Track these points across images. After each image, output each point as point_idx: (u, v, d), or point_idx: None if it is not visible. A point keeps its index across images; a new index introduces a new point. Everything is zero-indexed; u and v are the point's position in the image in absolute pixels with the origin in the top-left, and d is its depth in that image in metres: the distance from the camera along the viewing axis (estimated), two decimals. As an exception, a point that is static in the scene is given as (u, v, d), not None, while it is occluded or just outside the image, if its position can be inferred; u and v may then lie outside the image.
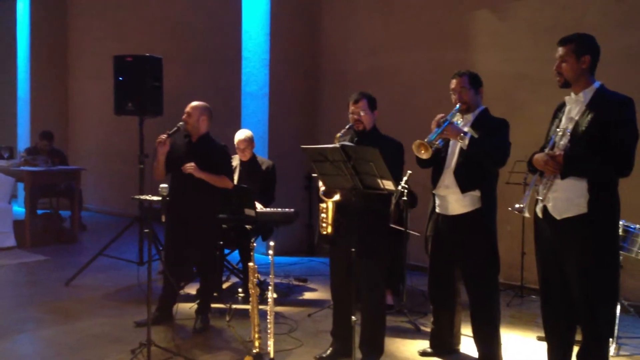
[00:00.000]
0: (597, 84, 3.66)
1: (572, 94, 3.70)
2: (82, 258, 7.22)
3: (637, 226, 4.85)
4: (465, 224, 4.32)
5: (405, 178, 5.50)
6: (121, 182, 11.18)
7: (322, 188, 4.34)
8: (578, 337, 3.78)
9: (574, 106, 3.67)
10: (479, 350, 4.43)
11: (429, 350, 4.75)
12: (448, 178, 4.38)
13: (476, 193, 4.28)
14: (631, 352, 4.85)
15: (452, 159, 4.39)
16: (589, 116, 3.54)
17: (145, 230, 4.55)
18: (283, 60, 8.45)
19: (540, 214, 3.75)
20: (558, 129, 3.67)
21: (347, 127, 4.43)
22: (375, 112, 4.49)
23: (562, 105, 3.80)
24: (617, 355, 4.77)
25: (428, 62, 7.50)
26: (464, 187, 4.29)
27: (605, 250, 3.58)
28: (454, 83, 4.42)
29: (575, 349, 3.79)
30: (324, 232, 4.35)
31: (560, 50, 3.67)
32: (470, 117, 4.40)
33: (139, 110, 6.69)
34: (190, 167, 5.14)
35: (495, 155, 4.21)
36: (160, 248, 6.57)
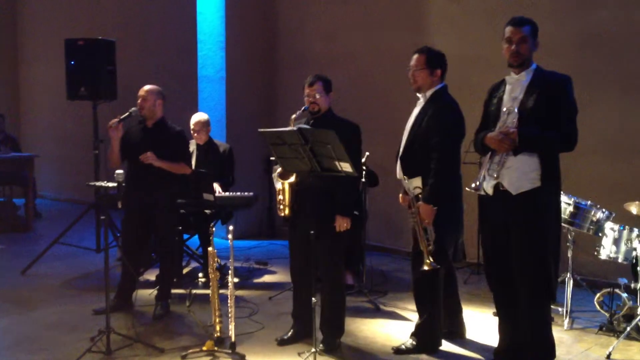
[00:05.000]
0: (534, 65, 3.83)
1: (512, 74, 3.84)
2: (38, 246, 7.10)
3: (589, 202, 4.98)
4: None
5: (363, 159, 5.54)
6: (76, 168, 10.97)
7: (278, 170, 4.35)
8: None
9: (515, 86, 3.82)
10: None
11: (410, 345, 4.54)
12: (398, 164, 4.42)
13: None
14: (584, 325, 4.99)
15: (402, 142, 4.42)
16: (534, 94, 3.71)
17: (102, 217, 4.50)
18: (239, 42, 8.37)
19: (490, 192, 3.85)
20: (504, 108, 3.78)
21: (302, 109, 4.42)
22: (330, 94, 4.49)
23: (499, 85, 3.94)
24: (571, 328, 4.91)
25: (384, 45, 7.52)
26: (408, 174, 4.32)
27: (553, 218, 3.81)
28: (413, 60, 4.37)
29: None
30: (282, 214, 4.36)
31: (519, 31, 3.76)
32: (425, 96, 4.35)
33: (92, 94, 6.58)
34: (149, 157, 5.08)
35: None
36: (118, 235, 6.50)
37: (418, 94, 4.42)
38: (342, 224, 4.31)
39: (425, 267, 4.15)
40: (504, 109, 3.77)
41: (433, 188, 4.15)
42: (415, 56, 4.35)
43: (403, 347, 4.49)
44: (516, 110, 3.71)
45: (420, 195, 4.21)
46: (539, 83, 3.74)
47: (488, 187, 3.86)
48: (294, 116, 4.32)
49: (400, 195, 4.58)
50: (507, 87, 3.85)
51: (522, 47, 3.75)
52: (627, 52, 5.95)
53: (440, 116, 4.23)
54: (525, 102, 3.71)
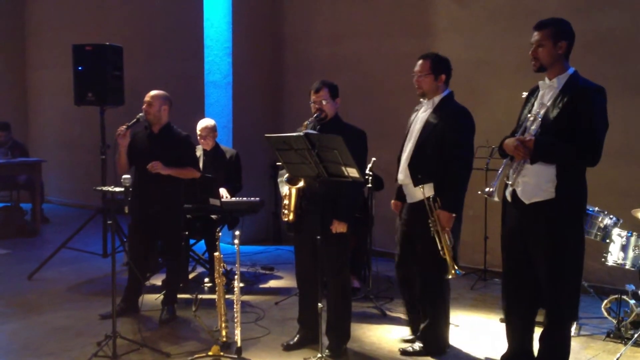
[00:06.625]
0: (571, 70, 3.67)
1: (546, 79, 3.71)
2: (45, 251, 7.12)
3: (596, 209, 4.96)
4: (421, 210, 4.24)
5: (369, 165, 5.53)
6: (83, 173, 11.01)
7: (285, 175, 4.34)
8: (539, 319, 3.88)
9: (547, 91, 3.68)
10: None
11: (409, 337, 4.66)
12: (404, 169, 4.34)
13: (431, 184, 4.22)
14: (591, 332, 4.97)
15: (408, 147, 4.36)
16: (561, 103, 3.56)
17: (109, 222, 4.51)
18: (246, 48, 8.39)
19: (509, 198, 3.80)
20: (529, 114, 3.69)
21: (314, 116, 4.39)
22: (337, 100, 4.47)
23: (535, 89, 3.80)
24: (578, 335, 4.88)
25: (390, 50, 7.53)
26: (418, 181, 4.24)
27: (570, 234, 3.64)
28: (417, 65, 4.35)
29: (537, 330, 3.88)
30: (286, 219, 4.36)
31: (537, 35, 3.65)
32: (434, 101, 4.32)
33: (100, 100, 6.60)
34: (156, 167, 5.08)
35: None
36: (124, 239, 6.51)
37: (422, 100, 4.40)
38: (338, 227, 4.29)
39: (450, 276, 4.15)
40: (530, 115, 3.68)
41: (454, 196, 4.15)
42: (420, 62, 4.34)
43: (410, 349, 4.50)
44: (540, 118, 3.61)
45: (437, 203, 4.15)
46: (570, 90, 3.57)
47: (507, 193, 3.82)
48: (306, 122, 4.30)
49: (393, 201, 4.57)
50: (540, 93, 3.73)
51: (538, 52, 3.63)
52: (634, 55, 5.92)
53: (456, 123, 4.21)
54: (550, 110, 3.59)
